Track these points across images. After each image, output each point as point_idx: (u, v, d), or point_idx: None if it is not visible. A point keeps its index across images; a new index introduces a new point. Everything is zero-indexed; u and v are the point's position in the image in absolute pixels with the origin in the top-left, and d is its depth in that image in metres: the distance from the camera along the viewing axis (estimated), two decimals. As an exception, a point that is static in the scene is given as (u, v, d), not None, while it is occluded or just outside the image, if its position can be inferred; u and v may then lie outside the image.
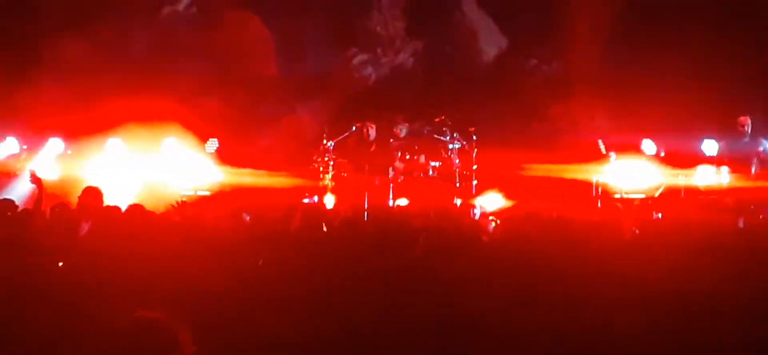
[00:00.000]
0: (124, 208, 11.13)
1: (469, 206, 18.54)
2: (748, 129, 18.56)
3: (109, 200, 12.09)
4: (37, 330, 5.86)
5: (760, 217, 13.91)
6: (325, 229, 10.46)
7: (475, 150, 19.37)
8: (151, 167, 19.16)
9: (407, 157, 19.31)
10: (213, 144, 19.73)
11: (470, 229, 10.87)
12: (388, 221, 11.65)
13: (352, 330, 5.84)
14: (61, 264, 7.88)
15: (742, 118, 18.60)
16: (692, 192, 18.47)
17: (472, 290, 6.61)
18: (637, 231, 9.66)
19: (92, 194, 11.88)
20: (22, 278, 6.78)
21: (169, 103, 19.65)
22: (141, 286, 6.42)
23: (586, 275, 7.14)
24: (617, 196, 18.80)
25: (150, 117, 19.26)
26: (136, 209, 10.96)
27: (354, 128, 19.54)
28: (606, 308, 6.58)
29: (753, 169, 18.19)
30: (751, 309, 6.31)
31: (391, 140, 19.53)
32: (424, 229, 9.04)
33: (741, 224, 12.53)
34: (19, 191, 16.76)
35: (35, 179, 12.03)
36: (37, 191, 11.85)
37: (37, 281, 7.01)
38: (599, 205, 18.51)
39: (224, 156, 19.70)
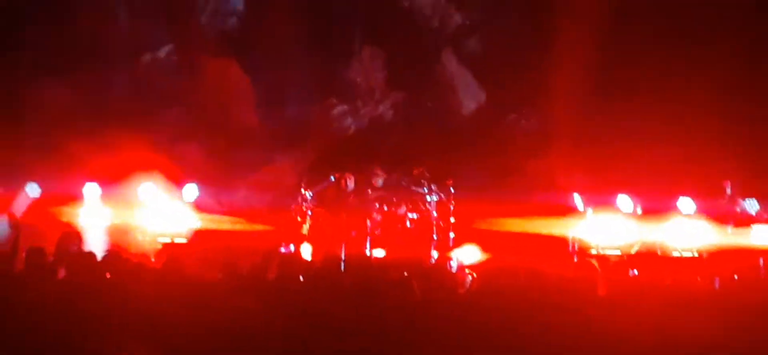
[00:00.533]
0: (100, 254, 11.08)
1: (446, 259, 18.57)
2: (729, 191, 18.68)
3: (86, 245, 12.05)
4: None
5: (735, 277, 13.96)
6: (301, 279, 10.45)
7: (453, 203, 19.39)
8: (128, 212, 19.10)
9: (385, 208, 19.31)
10: (191, 190, 19.70)
11: (447, 282, 10.88)
12: (365, 272, 11.65)
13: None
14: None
15: (724, 182, 18.72)
16: (668, 250, 18.52)
17: (449, 343, 6.63)
18: (611, 289, 9.68)
19: (70, 237, 11.81)
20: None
21: (147, 148, 19.64)
22: (117, 332, 6.41)
23: (561, 330, 7.16)
24: (593, 252, 18.84)
25: (128, 162, 19.23)
26: (113, 254, 10.91)
27: (332, 178, 19.55)
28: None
29: (729, 230, 18.28)
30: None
31: (369, 191, 19.53)
32: (401, 282, 9.05)
33: (717, 285, 12.62)
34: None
35: (13, 222, 11.99)
36: (13, 233, 11.80)
37: (12, 323, 6.99)
38: (575, 260, 18.53)
39: (202, 203, 19.66)
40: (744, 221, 18.40)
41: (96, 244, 16.82)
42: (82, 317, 7.25)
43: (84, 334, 6.46)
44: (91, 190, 19.17)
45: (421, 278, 9.41)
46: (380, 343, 6.68)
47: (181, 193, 19.67)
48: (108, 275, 10.09)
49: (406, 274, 11.91)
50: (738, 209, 18.50)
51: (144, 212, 19.34)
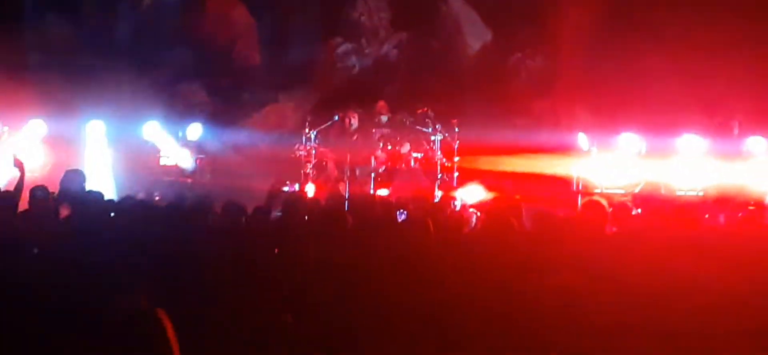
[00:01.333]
0: (104, 192, 11.09)
1: (450, 198, 18.57)
2: (736, 130, 18.63)
3: (89, 184, 12.05)
4: (13, 316, 5.83)
5: (739, 214, 13.94)
6: (306, 218, 10.45)
7: (457, 142, 19.37)
8: (138, 150, 19.13)
9: (389, 147, 19.30)
10: (195, 129, 19.70)
11: (451, 221, 10.88)
12: (369, 210, 11.65)
13: (333, 320, 5.84)
14: (36, 251, 7.83)
15: (731, 120, 18.68)
16: (673, 189, 18.52)
17: (455, 280, 6.62)
18: (615, 229, 9.68)
19: (73, 177, 11.82)
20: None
21: (152, 87, 19.62)
22: (123, 272, 6.41)
23: (567, 267, 7.15)
24: (597, 191, 18.82)
25: (132, 101, 19.22)
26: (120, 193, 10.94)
27: (336, 118, 19.53)
28: (586, 302, 6.60)
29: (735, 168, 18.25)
30: (733, 305, 6.33)
31: (373, 130, 19.51)
32: (407, 221, 9.06)
33: (722, 221, 12.61)
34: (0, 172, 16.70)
35: (17, 163, 11.98)
36: (18, 174, 11.79)
37: (15, 265, 6.98)
38: (579, 199, 18.53)
39: (208, 142, 19.69)
40: (749, 159, 18.37)
41: (100, 183, 16.82)
42: (85, 254, 7.25)
43: (87, 272, 6.46)
44: (94, 128, 19.17)
45: (425, 217, 9.41)
46: (386, 282, 6.67)
47: (185, 132, 19.68)
48: (111, 214, 10.12)
49: (405, 213, 11.94)
50: (744, 148, 18.46)
51: (149, 149, 19.37)
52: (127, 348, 3.82)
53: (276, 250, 7.26)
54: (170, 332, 3.92)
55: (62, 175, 11.92)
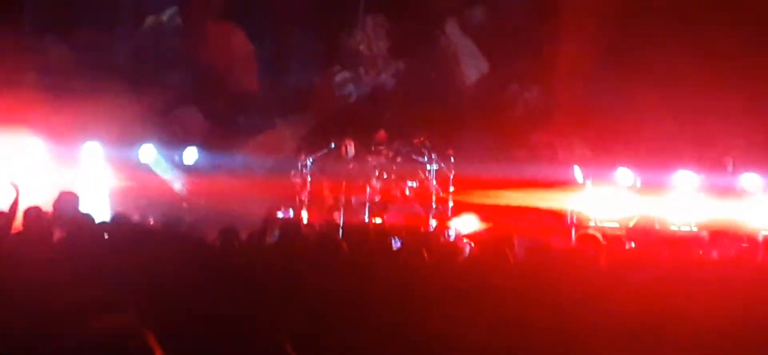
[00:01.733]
0: (99, 216, 11.10)
1: (444, 228, 18.59)
2: (730, 166, 18.70)
3: (84, 206, 12.04)
4: (7, 337, 5.83)
5: (733, 251, 13.96)
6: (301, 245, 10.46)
7: (453, 172, 19.40)
8: (127, 173, 19.12)
9: (384, 176, 19.32)
10: (192, 154, 19.72)
11: (445, 249, 10.90)
12: (363, 239, 11.66)
13: (332, 346, 5.85)
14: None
15: (725, 157, 18.76)
16: (667, 224, 18.56)
17: (448, 310, 6.63)
18: (609, 261, 9.68)
19: (67, 199, 11.81)
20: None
21: (149, 111, 19.65)
22: (114, 291, 6.41)
23: (561, 299, 7.16)
24: (591, 224, 18.85)
25: (129, 124, 19.23)
26: (114, 215, 10.94)
27: (333, 145, 19.56)
28: (580, 334, 6.61)
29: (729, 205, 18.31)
30: (724, 340, 6.34)
31: (369, 159, 19.54)
32: (402, 249, 9.07)
33: (715, 257, 12.62)
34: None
35: (12, 184, 11.95)
36: (14, 196, 11.77)
37: (9, 286, 6.98)
38: (573, 233, 18.56)
39: (203, 166, 19.71)
40: (744, 196, 18.43)
41: (95, 205, 16.82)
42: (78, 277, 7.25)
43: (80, 294, 6.46)
44: (91, 149, 19.18)
45: (419, 246, 9.43)
46: (380, 308, 6.68)
47: (181, 156, 19.70)
48: (106, 236, 10.12)
49: (399, 241, 11.95)
50: (738, 184, 18.52)
51: (144, 173, 19.37)
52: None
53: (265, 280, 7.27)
54: (154, 348, 3.92)
55: (56, 197, 11.92)
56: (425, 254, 7.93)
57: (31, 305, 6.33)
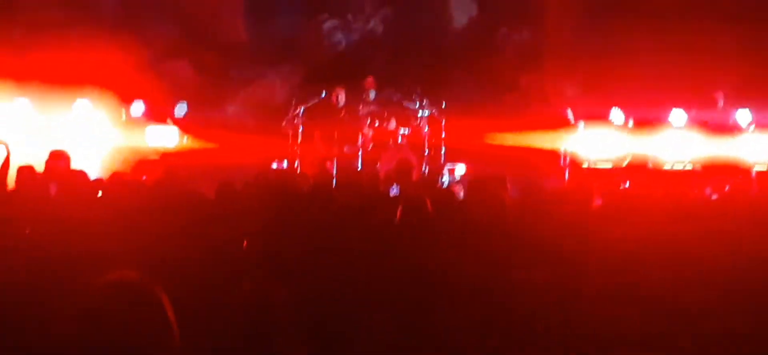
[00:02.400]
0: (92, 171, 11.08)
1: (438, 173, 18.63)
2: (721, 102, 18.71)
3: (76, 164, 12.02)
4: (5, 298, 5.83)
5: (726, 187, 14.00)
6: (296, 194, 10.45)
7: (445, 118, 19.39)
8: (117, 130, 19.07)
9: (376, 124, 19.30)
10: (182, 108, 19.66)
11: (442, 195, 10.91)
12: (358, 187, 11.67)
13: (329, 294, 5.86)
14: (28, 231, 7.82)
15: (716, 93, 18.77)
16: (660, 163, 18.58)
17: (448, 253, 6.65)
18: (601, 201, 9.71)
19: (59, 157, 11.80)
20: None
21: (137, 65, 19.55)
22: (113, 251, 6.41)
23: (555, 240, 7.18)
24: (585, 165, 18.88)
25: (118, 79, 19.14)
26: (106, 171, 10.93)
27: (323, 94, 19.52)
28: (574, 274, 6.63)
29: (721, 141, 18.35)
30: (720, 278, 6.36)
31: (361, 107, 19.51)
32: (400, 195, 9.09)
33: (709, 193, 12.67)
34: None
35: (1, 142, 11.92)
36: (4, 155, 11.74)
37: (9, 243, 6.99)
38: (567, 174, 18.60)
39: (193, 120, 19.65)
40: (737, 131, 18.46)
41: (87, 162, 16.78)
42: (75, 233, 7.25)
43: (77, 250, 6.46)
44: (80, 106, 19.10)
45: (420, 193, 9.43)
46: (379, 255, 6.69)
47: (172, 110, 19.64)
48: (99, 192, 10.11)
49: (397, 188, 11.97)
50: (730, 121, 18.55)
51: (135, 128, 19.31)
52: (119, 320, 3.82)
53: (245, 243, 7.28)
54: (165, 303, 3.92)
55: (47, 156, 11.91)
56: (428, 202, 7.94)
57: (34, 263, 6.34)
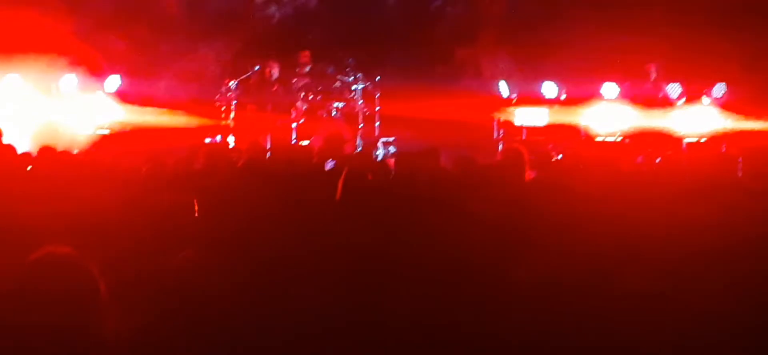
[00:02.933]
0: (20, 147, 10.95)
1: (372, 147, 18.64)
2: (653, 75, 18.90)
3: (6, 139, 11.89)
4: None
5: (657, 159, 14.19)
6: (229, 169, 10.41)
7: (379, 92, 19.40)
8: (49, 104, 18.85)
9: (310, 97, 19.25)
10: (114, 82, 19.47)
11: (374, 169, 10.90)
12: (290, 161, 11.65)
13: (265, 268, 5.84)
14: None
15: (649, 65, 18.95)
16: (592, 135, 18.76)
17: (383, 225, 6.65)
18: (534, 173, 9.77)
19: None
20: None
21: (68, 38, 19.29)
22: (44, 226, 6.34)
23: (487, 212, 7.21)
24: (519, 137, 19.02)
25: (48, 52, 18.89)
26: (37, 147, 10.81)
27: (257, 68, 19.44)
28: (506, 247, 6.66)
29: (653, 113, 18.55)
30: (654, 246, 6.42)
31: (294, 80, 19.45)
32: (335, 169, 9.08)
33: (639, 160, 12.83)
34: None
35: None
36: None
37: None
38: (501, 147, 18.71)
39: (125, 94, 19.46)
40: (668, 104, 18.66)
41: (17, 135, 16.58)
42: (4, 208, 7.16)
43: (7, 225, 6.38)
44: (11, 80, 18.86)
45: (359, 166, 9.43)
46: (316, 230, 6.68)
47: (103, 84, 19.44)
48: (29, 168, 9.99)
49: (333, 162, 11.96)
50: (661, 94, 18.75)
51: (66, 103, 19.10)
52: (50, 295, 3.79)
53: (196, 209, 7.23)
54: (96, 275, 3.90)
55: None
56: (370, 176, 7.94)
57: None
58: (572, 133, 18.86)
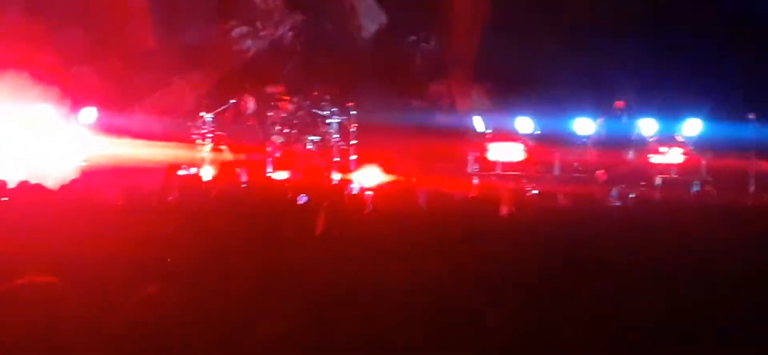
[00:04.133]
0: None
1: (347, 181, 18.62)
2: (625, 113, 19.07)
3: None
4: None
5: (631, 195, 14.27)
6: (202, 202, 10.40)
7: (354, 125, 19.44)
8: (26, 135, 18.80)
9: (285, 131, 19.27)
10: (89, 114, 19.43)
11: (350, 203, 10.92)
12: (265, 193, 11.63)
13: (235, 299, 5.83)
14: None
15: (618, 103, 19.11)
16: (565, 169, 18.85)
17: (357, 263, 6.65)
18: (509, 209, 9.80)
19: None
20: None
21: (43, 70, 19.27)
22: (12, 258, 6.32)
23: (463, 249, 7.22)
24: (493, 172, 19.07)
25: (24, 85, 18.86)
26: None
27: (232, 101, 19.46)
28: (483, 282, 6.66)
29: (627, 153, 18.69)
30: (629, 274, 6.44)
31: (270, 114, 19.48)
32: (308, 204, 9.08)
33: (614, 194, 12.88)
34: None
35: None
36: None
37: None
38: (475, 181, 18.74)
39: (101, 126, 19.44)
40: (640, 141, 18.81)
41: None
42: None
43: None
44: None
45: (323, 200, 9.43)
46: (285, 263, 6.68)
47: (78, 116, 19.40)
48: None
49: (306, 197, 11.95)
50: (634, 130, 18.90)
51: (41, 134, 19.04)
52: (30, 322, 3.80)
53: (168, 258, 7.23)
54: (75, 303, 3.91)
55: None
56: (342, 209, 7.95)
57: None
58: (545, 168, 18.96)
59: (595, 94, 19.51)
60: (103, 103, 19.97)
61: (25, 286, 3.91)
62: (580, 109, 19.36)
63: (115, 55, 21.42)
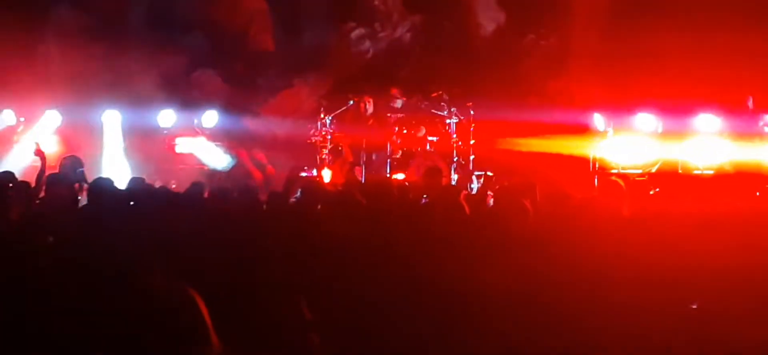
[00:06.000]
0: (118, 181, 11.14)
1: (467, 181, 18.60)
2: (751, 105, 18.61)
3: (105, 172, 12.13)
4: (30, 303, 5.86)
5: (757, 193, 13.91)
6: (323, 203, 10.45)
7: (473, 125, 19.38)
8: (153, 139, 19.23)
9: (404, 131, 19.30)
10: (211, 117, 19.73)
11: (469, 204, 10.87)
12: (384, 196, 11.63)
13: (355, 305, 5.86)
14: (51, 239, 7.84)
15: (746, 96, 18.68)
16: (689, 169, 18.50)
17: (473, 263, 6.63)
18: (633, 209, 9.63)
19: (70, 162, 12.02)
20: (27, 250, 6.79)
21: (166, 75, 19.65)
22: (144, 254, 6.45)
23: (583, 249, 7.14)
24: (614, 171, 18.81)
25: (148, 90, 19.26)
26: (134, 180, 10.99)
27: (351, 102, 19.55)
28: (602, 284, 6.59)
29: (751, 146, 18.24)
30: (750, 283, 6.31)
31: (389, 115, 19.52)
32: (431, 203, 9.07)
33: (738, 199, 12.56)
34: (17, 163, 16.75)
35: (39, 152, 12.09)
36: (39, 164, 11.86)
37: (32, 253, 7.02)
38: (596, 180, 18.53)
39: (222, 129, 19.75)
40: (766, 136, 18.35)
41: (116, 172, 16.89)
42: (106, 240, 7.30)
43: (109, 260, 6.49)
44: (110, 117, 19.22)
45: (441, 200, 9.41)
46: (406, 265, 6.68)
47: (200, 119, 19.72)
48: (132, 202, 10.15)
49: (426, 197, 11.95)
50: (760, 124, 18.43)
51: (167, 138, 19.42)
52: (152, 323, 3.86)
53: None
54: (200, 304, 3.96)
55: (60, 160, 12.15)
56: (466, 208, 7.92)
57: (69, 268, 6.38)
58: (669, 166, 18.63)
59: (719, 88, 19.10)
60: (225, 106, 20.27)
61: (156, 287, 3.98)
62: (704, 104, 18.98)
63: (236, 59, 21.74)
